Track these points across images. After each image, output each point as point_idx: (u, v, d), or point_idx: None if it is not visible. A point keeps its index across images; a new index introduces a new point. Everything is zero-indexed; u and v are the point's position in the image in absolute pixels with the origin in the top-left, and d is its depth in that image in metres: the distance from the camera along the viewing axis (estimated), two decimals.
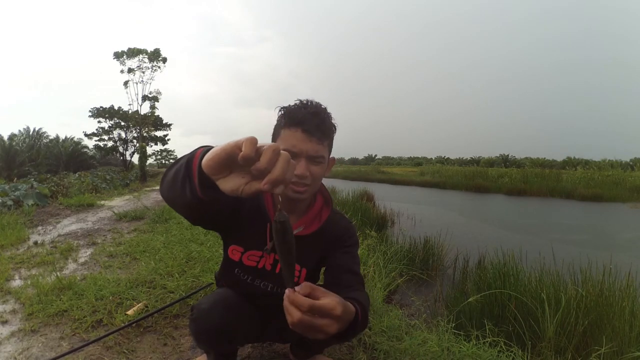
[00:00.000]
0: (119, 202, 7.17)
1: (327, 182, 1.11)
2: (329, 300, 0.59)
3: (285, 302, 0.58)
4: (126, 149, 22.79)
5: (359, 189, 10.30)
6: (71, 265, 2.69)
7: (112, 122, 22.18)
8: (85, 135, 22.84)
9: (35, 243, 3.34)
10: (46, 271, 2.45)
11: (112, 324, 1.67)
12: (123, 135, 22.42)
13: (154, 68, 19.80)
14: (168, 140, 24.90)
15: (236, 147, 0.48)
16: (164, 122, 23.81)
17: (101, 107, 21.79)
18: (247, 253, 1.02)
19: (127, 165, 22.53)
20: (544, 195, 14.75)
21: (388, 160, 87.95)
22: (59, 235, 3.75)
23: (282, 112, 0.94)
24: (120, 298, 1.94)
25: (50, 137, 27.92)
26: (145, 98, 19.86)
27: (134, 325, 1.61)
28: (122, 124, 21.89)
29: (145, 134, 21.33)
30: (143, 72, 19.63)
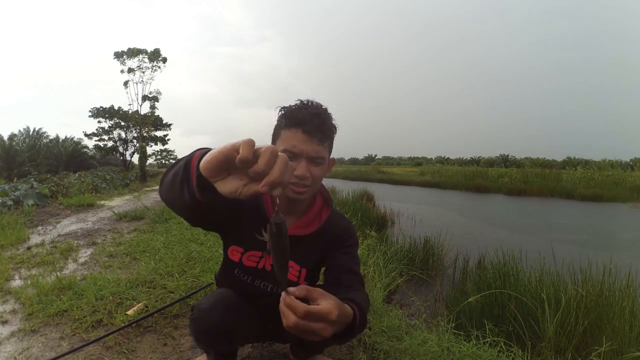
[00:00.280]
0: (119, 202, 7.17)
1: (327, 182, 1.11)
2: (325, 304, 0.60)
3: (281, 305, 0.58)
4: (126, 149, 22.81)
5: (359, 189, 10.30)
6: (71, 265, 2.69)
7: (112, 122, 22.19)
8: (85, 135, 22.87)
9: (36, 244, 3.34)
10: (46, 271, 2.45)
11: (112, 324, 1.67)
12: (123, 135, 22.44)
13: (154, 68, 19.82)
14: (168, 140, 24.92)
15: (233, 150, 0.47)
16: (164, 122, 23.82)
17: (101, 107, 21.81)
18: (247, 254, 1.02)
19: (127, 165, 22.54)
20: (544, 195, 14.74)
21: (388, 160, 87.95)
22: (59, 235, 3.75)
23: (283, 112, 0.94)
24: (120, 298, 1.94)
25: (50, 137, 27.94)
26: (145, 98, 19.87)
27: (134, 325, 1.61)
28: (122, 124, 21.89)
29: (145, 134, 21.33)
30: (143, 72, 19.65)
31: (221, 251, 1.82)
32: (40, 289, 2.03)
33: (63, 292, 2.03)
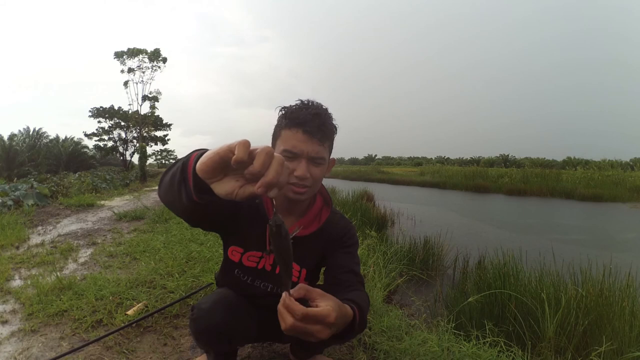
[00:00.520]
0: (119, 202, 7.17)
1: (327, 182, 1.10)
2: (324, 306, 0.60)
3: (280, 307, 0.58)
4: (126, 149, 22.84)
5: (359, 189, 10.30)
6: (71, 265, 2.68)
7: (112, 122, 22.22)
8: (85, 135, 22.92)
9: (36, 244, 3.34)
10: (46, 271, 2.45)
11: (112, 324, 1.67)
12: (123, 135, 22.47)
13: (154, 68, 19.86)
14: (168, 140, 24.95)
15: (229, 151, 0.47)
16: (164, 122, 23.85)
17: (101, 107, 21.86)
18: (246, 254, 1.02)
19: (127, 165, 22.55)
20: (544, 195, 14.74)
21: (388, 160, 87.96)
22: (59, 235, 3.75)
23: (283, 112, 0.94)
24: (120, 298, 1.94)
25: (50, 137, 27.94)
26: (145, 98, 19.90)
27: (134, 325, 1.61)
28: (122, 124, 21.92)
29: (145, 134, 21.35)
30: (143, 72, 19.70)
31: (221, 251, 1.82)
32: (40, 289, 2.03)
33: (63, 292, 2.03)
